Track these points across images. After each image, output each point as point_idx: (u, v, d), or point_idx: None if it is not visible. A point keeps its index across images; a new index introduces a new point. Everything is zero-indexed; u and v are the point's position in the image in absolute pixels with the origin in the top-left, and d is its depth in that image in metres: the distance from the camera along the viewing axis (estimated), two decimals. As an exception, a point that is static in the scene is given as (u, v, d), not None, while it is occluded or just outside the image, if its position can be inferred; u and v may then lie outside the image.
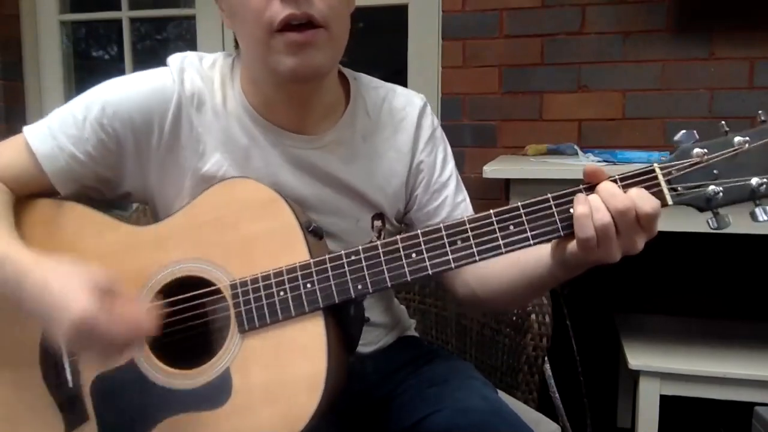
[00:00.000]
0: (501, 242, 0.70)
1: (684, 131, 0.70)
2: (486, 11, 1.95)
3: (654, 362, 1.55)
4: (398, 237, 0.72)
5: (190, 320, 0.77)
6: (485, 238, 0.71)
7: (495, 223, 0.71)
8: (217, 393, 0.73)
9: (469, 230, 0.71)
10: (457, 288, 0.92)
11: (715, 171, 0.68)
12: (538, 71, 1.94)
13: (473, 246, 0.71)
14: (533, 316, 1.12)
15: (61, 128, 0.82)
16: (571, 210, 0.68)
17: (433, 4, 2.01)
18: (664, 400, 1.55)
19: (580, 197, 0.68)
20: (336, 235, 0.88)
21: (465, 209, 0.95)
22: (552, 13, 1.91)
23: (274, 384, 0.72)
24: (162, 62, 0.87)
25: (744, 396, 1.50)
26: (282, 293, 0.73)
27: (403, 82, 2.08)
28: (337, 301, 0.73)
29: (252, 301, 0.74)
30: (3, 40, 2.31)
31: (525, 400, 1.13)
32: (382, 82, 0.96)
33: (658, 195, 0.68)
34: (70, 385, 0.79)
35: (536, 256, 0.76)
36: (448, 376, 0.89)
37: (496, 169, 1.53)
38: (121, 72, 2.31)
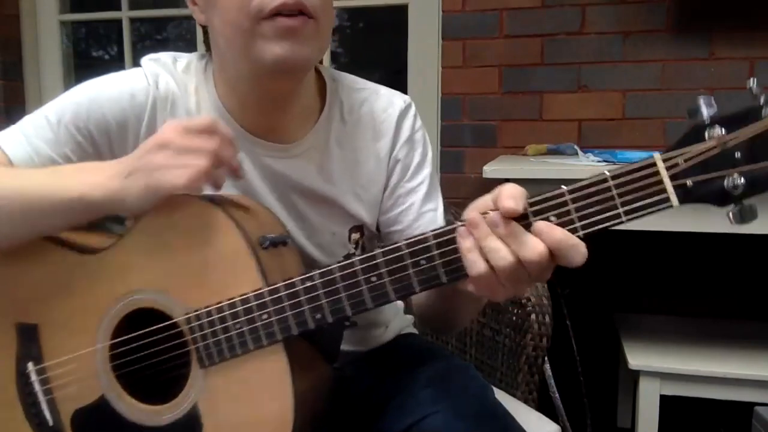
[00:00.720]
0: (441, 272, 0.62)
1: (702, 97, 0.55)
2: (486, 11, 1.95)
3: (654, 362, 1.55)
4: (356, 258, 0.65)
5: (155, 355, 0.74)
6: (453, 256, 0.61)
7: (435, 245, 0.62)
8: (187, 431, 0.71)
9: (434, 247, 0.62)
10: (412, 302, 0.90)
11: (736, 154, 0.53)
12: (538, 71, 1.94)
13: (440, 266, 0.62)
14: (533, 316, 1.12)
15: (36, 133, 0.80)
16: (552, 219, 0.59)
17: (433, 4, 2.01)
18: (664, 400, 1.55)
19: (461, 231, 0.61)
20: (310, 247, 0.86)
21: (432, 220, 0.89)
22: (552, 13, 1.91)
23: (243, 422, 0.69)
24: None
25: (744, 396, 1.50)
26: (238, 326, 0.68)
27: (404, 82, 2.08)
28: (296, 333, 0.67)
29: (209, 336, 0.70)
30: (3, 40, 2.31)
31: (525, 400, 1.13)
32: (368, 83, 0.92)
33: (660, 194, 0.56)
34: (51, 423, 0.78)
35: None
36: (447, 377, 0.88)
37: (496, 169, 1.53)
38: (121, 72, 2.33)
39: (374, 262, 0.64)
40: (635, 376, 1.59)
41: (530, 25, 1.92)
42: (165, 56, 0.85)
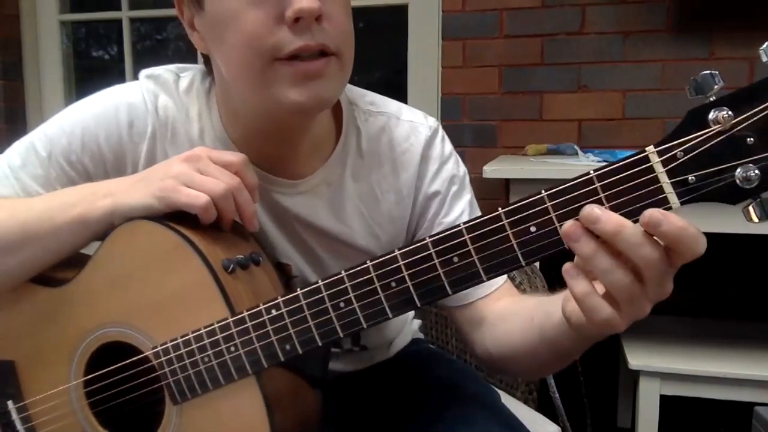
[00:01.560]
0: (445, 281, 0.54)
1: (706, 72, 0.45)
2: (486, 11, 1.95)
3: (654, 362, 1.55)
4: (321, 283, 0.60)
5: (129, 391, 0.70)
6: (425, 277, 0.55)
7: (434, 255, 0.54)
8: None
9: (403, 267, 0.56)
10: (475, 345, 0.80)
11: (749, 140, 0.44)
12: (538, 71, 1.94)
13: (412, 288, 0.56)
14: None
15: (24, 168, 0.74)
16: (532, 228, 0.51)
17: (433, 4, 2.01)
18: (664, 400, 1.55)
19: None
20: None
21: None
22: (552, 13, 1.91)
23: None
24: (162, 62, 0.81)
25: (744, 396, 1.50)
26: (206, 359, 0.64)
27: (403, 82, 2.09)
28: (266, 367, 0.62)
29: (178, 371, 0.65)
30: (3, 40, 2.31)
31: (525, 400, 1.13)
32: (387, 104, 0.83)
33: (656, 195, 0.47)
34: None
35: (557, 318, 0.59)
36: (452, 383, 0.87)
37: (496, 169, 1.53)
38: (120, 72, 2.33)
39: (341, 287, 0.59)
40: (635, 376, 1.59)
41: (530, 25, 1.92)
42: (166, 73, 0.78)
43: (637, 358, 1.57)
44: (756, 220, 0.47)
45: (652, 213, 0.46)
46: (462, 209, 0.81)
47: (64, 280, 0.72)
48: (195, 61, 0.83)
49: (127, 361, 0.69)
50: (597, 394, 1.84)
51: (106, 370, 0.70)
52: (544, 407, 1.17)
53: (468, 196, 0.83)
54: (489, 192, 1.86)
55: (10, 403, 0.76)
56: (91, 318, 0.70)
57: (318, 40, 0.63)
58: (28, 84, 2.39)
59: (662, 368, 1.54)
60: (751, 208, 0.47)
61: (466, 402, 0.82)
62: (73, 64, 2.51)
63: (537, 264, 1.22)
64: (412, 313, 1.06)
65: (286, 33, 0.63)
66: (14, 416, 0.75)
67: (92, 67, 2.70)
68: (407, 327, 1.03)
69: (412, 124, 0.81)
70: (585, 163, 1.57)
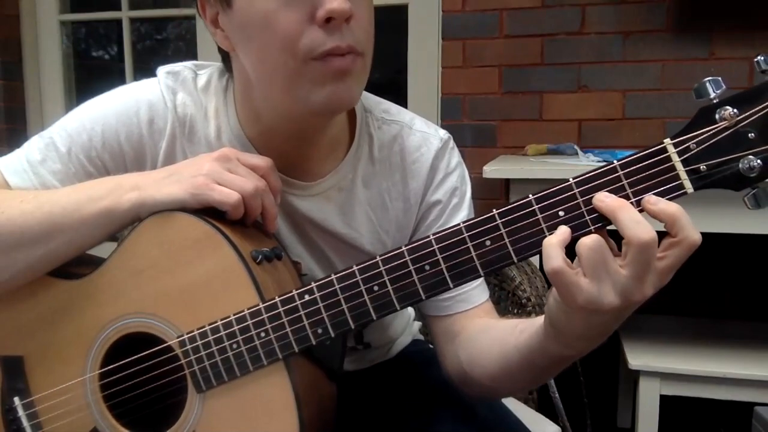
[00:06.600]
0: (477, 262, 0.58)
1: (709, 78, 0.52)
2: (486, 11, 1.95)
3: (654, 362, 1.55)
4: (355, 268, 0.62)
5: (148, 382, 0.70)
6: (458, 260, 0.58)
7: (468, 239, 0.58)
8: None
9: (437, 251, 0.59)
10: (445, 358, 0.81)
11: (750, 135, 0.51)
12: (538, 71, 1.94)
13: (445, 270, 0.59)
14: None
15: (43, 163, 0.74)
16: (561, 213, 0.55)
17: (433, 4, 2.01)
18: (664, 400, 1.55)
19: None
20: None
21: None
22: (552, 13, 1.91)
23: None
24: (162, 62, 0.81)
25: (744, 396, 1.50)
26: (235, 346, 0.65)
27: (403, 82, 2.08)
28: (297, 351, 0.64)
29: (204, 359, 0.66)
30: (3, 40, 2.31)
31: (525, 401, 1.13)
32: (401, 113, 0.84)
33: (673, 181, 0.53)
34: None
35: (539, 324, 0.63)
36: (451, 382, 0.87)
37: (496, 169, 1.53)
38: (120, 72, 2.33)
39: (375, 270, 0.61)
40: (635, 376, 1.59)
41: (530, 25, 1.92)
42: (185, 71, 0.78)
43: (637, 358, 1.57)
44: (748, 207, 0.53)
45: (651, 195, 0.53)
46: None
47: (83, 273, 0.72)
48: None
49: (149, 351, 0.69)
50: (597, 394, 1.84)
51: (125, 360, 0.70)
52: (544, 407, 1.17)
53: (465, 212, 0.83)
54: (489, 192, 1.87)
55: (16, 400, 0.75)
56: (112, 309, 0.70)
57: (347, 41, 0.65)
58: (28, 84, 2.39)
59: (662, 368, 1.54)
60: (746, 199, 0.53)
61: (466, 402, 0.82)
62: (73, 64, 2.50)
63: (537, 264, 1.22)
64: (413, 314, 1.06)
65: (317, 33, 0.64)
66: (20, 413, 0.75)
67: (92, 67, 2.70)
68: (409, 328, 1.03)
69: (424, 135, 0.82)
70: (585, 163, 1.57)
